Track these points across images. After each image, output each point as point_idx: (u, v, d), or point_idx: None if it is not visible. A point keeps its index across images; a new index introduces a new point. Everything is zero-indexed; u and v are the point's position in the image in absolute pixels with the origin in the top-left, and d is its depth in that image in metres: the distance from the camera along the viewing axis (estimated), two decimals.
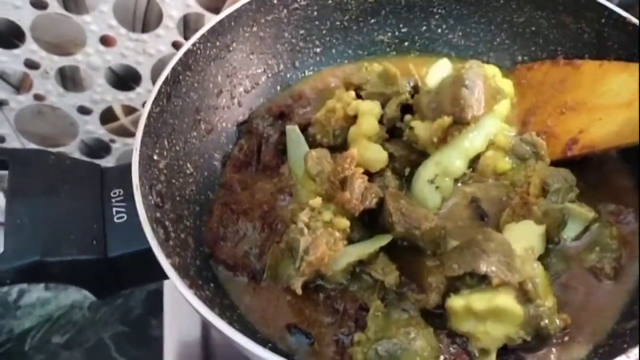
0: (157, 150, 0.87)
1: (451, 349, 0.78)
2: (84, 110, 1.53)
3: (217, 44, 1.00)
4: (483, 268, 0.74)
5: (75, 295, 1.63)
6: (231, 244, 0.88)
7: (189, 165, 0.94)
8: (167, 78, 0.91)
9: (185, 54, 0.94)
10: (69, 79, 1.46)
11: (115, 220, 0.79)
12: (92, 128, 1.55)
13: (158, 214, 0.82)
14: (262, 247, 0.88)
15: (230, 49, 1.03)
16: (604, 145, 0.89)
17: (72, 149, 1.62)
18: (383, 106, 0.97)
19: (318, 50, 1.13)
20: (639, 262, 0.84)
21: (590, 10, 0.98)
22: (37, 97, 1.49)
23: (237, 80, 1.05)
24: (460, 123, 0.88)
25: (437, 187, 0.91)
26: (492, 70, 1.04)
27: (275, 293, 0.84)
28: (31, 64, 1.40)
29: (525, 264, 0.76)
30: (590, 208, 0.87)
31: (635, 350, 0.65)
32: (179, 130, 0.94)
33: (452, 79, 0.91)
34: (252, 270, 0.86)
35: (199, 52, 0.97)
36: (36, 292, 1.55)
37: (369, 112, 0.94)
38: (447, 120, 0.88)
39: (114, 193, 0.81)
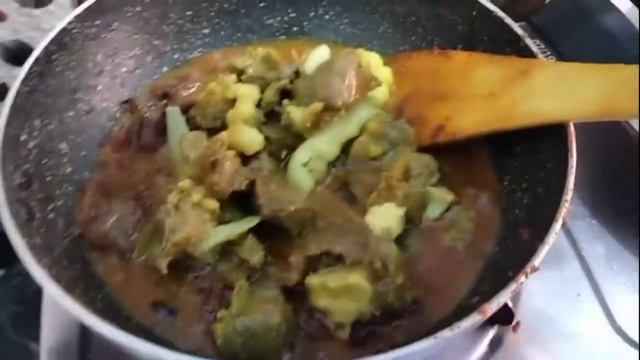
0: (26, 130, 0.87)
1: (310, 323, 0.82)
2: None
3: (97, 23, 0.99)
4: (338, 248, 0.79)
5: None
6: (102, 224, 0.89)
7: (64, 144, 0.94)
8: (38, 57, 0.90)
9: (60, 33, 0.93)
10: None
11: None
12: None
13: (23, 194, 0.82)
14: (134, 227, 0.89)
15: (112, 28, 1.02)
16: (466, 132, 0.94)
17: None
18: (263, 90, 0.99)
19: (206, 31, 1.14)
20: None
21: (463, 3, 1.03)
22: None
23: (120, 60, 1.05)
24: (331, 109, 0.92)
25: (310, 170, 0.94)
26: (373, 58, 1.08)
27: (144, 272, 0.86)
28: None
29: (380, 244, 0.80)
30: (450, 192, 0.92)
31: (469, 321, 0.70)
32: (53, 109, 0.93)
33: (326, 66, 0.95)
34: (122, 250, 0.87)
35: (75, 31, 0.96)
36: None
37: (247, 96, 0.96)
38: (318, 105, 0.91)
39: None
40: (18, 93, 0.85)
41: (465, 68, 1.00)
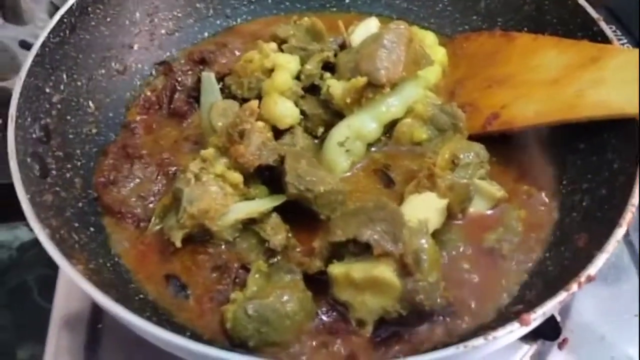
0: (50, 83, 0.83)
1: (330, 316, 0.74)
2: (25, 45, 1.47)
3: None
4: (365, 236, 0.70)
5: (6, 235, 1.60)
6: (121, 189, 0.84)
7: (90, 103, 0.89)
8: (71, 8, 0.86)
9: None
10: (10, 10, 1.39)
11: None
12: None
13: (40, 149, 0.78)
14: (154, 195, 0.84)
15: None
16: (523, 122, 0.84)
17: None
18: (305, 62, 0.92)
19: None
20: None
21: None
22: None
23: (159, 20, 1.00)
24: (374, 85, 0.84)
25: (347, 150, 0.87)
26: (427, 36, 1.00)
27: (158, 243, 0.80)
28: None
29: (413, 236, 0.71)
30: (500, 187, 0.83)
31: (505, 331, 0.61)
32: (83, 65, 0.89)
33: (372, 38, 0.87)
34: (138, 218, 0.82)
35: None
36: None
37: (285, 66, 0.89)
38: (361, 80, 0.83)
39: None
40: (45, 43, 0.81)
41: (528, 52, 0.90)
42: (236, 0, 1.07)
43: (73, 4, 0.85)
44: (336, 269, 0.72)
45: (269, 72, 0.91)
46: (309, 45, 0.93)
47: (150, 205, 0.84)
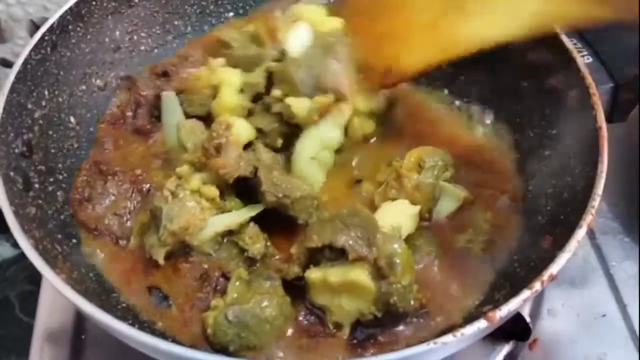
0: (32, 99, 0.85)
1: (308, 319, 0.77)
2: (6, 63, 1.49)
3: None
4: (340, 241, 0.73)
5: None
6: (96, 206, 0.85)
7: (72, 118, 0.92)
8: (52, 26, 0.88)
9: (77, 3, 0.91)
10: None
11: None
12: None
13: (23, 163, 0.80)
14: (130, 213, 0.86)
15: (132, 4, 1.00)
16: (412, 69, 0.88)
17: None
18: (248, 70, 0.91)
19: (230, 15, 1.11)
20: None
21: None
22: None
23: (138, 37, 1.03)
24: (340, 100, 0.87)
25: (319, 162, 0.89)
26: (314, 12, 0.97)
27: (141, 257, 0.82)
28: None
29: (387, 241, 0.74)
30: (464, 188, 0.87)
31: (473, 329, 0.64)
32: (64, 81, 0.91)
33: (323, 50, 0.88)
34: (116, 235, 0.84)
35: (94, 3, 0.94)
36: None
37: (227, 84, 0.89)
38: (331, 97, 0.86)
39: None
40: (27, 60, 0.83)
41: None
42: (214, 17, 1.09)
43: (54, 22, 0.88)
44: (313, 274, 0.75)
45: (216, 88, 0.90)
46: (249, 52, 0.92)
47: (128, 224, 0.85)
